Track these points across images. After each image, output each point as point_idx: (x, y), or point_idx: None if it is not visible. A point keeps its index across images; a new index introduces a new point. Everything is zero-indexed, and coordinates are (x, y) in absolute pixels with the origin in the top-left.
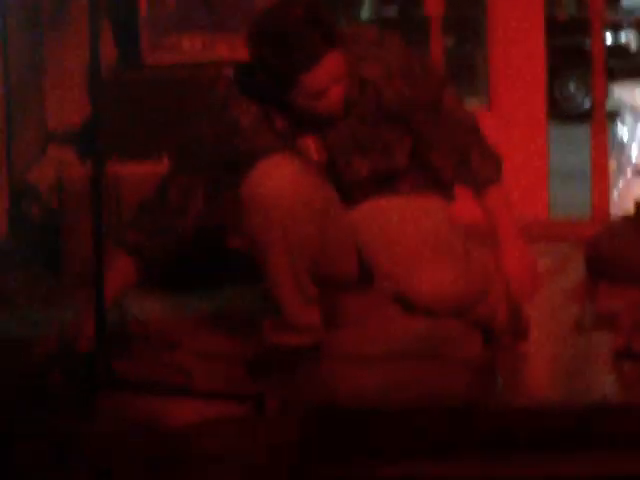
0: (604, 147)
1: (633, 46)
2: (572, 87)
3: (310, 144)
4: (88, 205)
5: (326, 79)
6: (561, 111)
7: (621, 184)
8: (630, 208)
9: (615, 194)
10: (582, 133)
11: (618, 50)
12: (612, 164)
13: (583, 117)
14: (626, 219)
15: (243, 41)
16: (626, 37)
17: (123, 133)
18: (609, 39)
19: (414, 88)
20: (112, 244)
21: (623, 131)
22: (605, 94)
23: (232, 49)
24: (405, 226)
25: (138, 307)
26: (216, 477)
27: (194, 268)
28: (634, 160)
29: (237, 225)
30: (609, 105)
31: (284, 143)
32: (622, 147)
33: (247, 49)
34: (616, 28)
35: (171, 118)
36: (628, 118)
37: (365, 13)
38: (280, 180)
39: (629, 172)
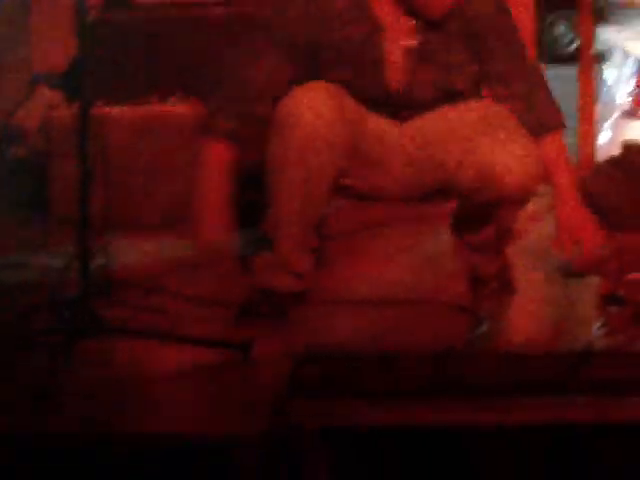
0: (591, 89)
1: None
2: (559, 29)
3: (405, 28)
4: (75, 147)
5: None
6: (548, 53)
7: (608, 127)
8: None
9: (602, 137)
10: (569, 75)
11: None
12: (599, 107)
13: (570, 59)
14: (612, 162)
15: None
16: None
17: (110, 74)
18: None
19: (495, 14)
20: (203, 133)
21: (610, 73)
22: (593, 35)
23: None
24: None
25: (124, 251)
26: (202, 419)
27: None
28: (621, 102)
29: None
30: (596, 47)
31: (378, 31)
32: (609, 90)
33: None
34: None
35: (159, 58)
36: (616, 60)
37: None
38: (308, 106)
39: (616, 114)
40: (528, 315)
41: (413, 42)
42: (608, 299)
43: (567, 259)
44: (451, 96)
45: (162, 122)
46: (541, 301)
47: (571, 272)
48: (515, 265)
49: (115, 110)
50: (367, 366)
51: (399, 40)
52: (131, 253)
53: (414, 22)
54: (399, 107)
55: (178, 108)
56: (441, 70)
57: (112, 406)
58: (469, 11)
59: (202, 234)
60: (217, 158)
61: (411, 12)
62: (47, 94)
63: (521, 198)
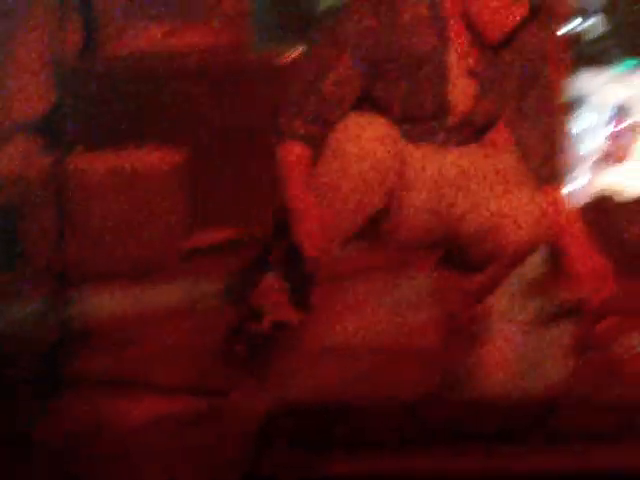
0: (561, 140)
1: (593, 33)
2: None
3: (470, 50)
4: (50, 197)
5: None
6: None
7: (579, 175)
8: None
9: (573, 185)
10: None
11: (579, 37)
12: (568, 156)
13: None
14: (584, 209)
15: (204, 30)
16: (589, 24)
17: (87, 121)
18: (575, 25)
19: (547, 51)
20: (283, 137)
21: (582, 121)
22: (561, 87)
23: (191, 39)
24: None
25: (100, 301)
26: (171, 472)
27: None
28: (596, 148)
29: None
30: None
31: (444, 47)
32: (579, 139)
33: None
34: (583, 14)
35: (131, 107)
36: (590, 106)
37: None
38: (360, 145)
39: (592, 160)
40: (500, 362)
41: (477, 64)
42: (579, 346)
43: (580, 298)
44: (490, 127)
45: (137, 171)
46: (514, 347)
47: (562, 313)
48: (491, 310)
49: (91, 159)
50: (343, 416)
51: (464, 60)
52: (107, 303)
53: (477, 45)
54: (452, 129)
55: (153, 156)
56: (499, 98)
57: (89, 460)
58: (525, 42)
59: (310, 241)
60: (297, 159)
61: (473, 34)
62: (24, 143)
63: (523, 255)
